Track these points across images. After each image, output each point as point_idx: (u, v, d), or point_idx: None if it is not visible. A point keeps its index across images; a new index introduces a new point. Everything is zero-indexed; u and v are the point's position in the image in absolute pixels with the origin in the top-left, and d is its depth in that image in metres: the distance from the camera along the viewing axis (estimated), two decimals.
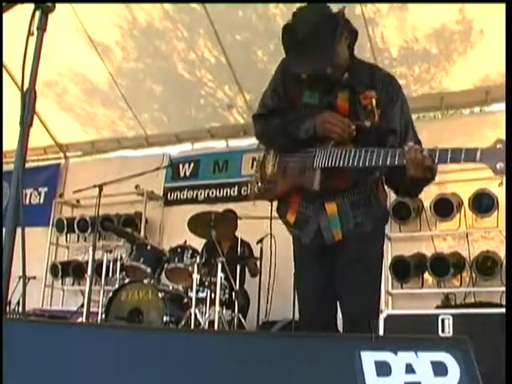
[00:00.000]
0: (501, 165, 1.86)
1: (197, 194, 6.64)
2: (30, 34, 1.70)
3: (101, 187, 5.08)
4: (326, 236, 2.29)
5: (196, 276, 4.62)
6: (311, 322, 2.38)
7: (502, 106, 5.37)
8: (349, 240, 2.27)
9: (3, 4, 1.74)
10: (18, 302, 5.58)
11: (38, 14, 1.71)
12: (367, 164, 2.08)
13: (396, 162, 2.03)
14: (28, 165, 6.90)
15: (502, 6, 4.16)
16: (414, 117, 7.52)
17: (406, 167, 1.99)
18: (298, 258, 2.47)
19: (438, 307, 4.74)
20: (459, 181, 5.27)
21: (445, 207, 5.07)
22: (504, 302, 4.57)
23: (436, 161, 1.95)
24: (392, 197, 5.46)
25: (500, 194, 4.83)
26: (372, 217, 2.29)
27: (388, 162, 2.05)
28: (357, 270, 2.25)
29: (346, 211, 2.27)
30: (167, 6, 5.76)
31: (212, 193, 6.55)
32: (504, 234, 4.87)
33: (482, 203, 4.95)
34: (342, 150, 2.16)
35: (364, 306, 2.25)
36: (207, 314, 4.58)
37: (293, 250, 2.49)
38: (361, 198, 2.28)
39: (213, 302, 4.56)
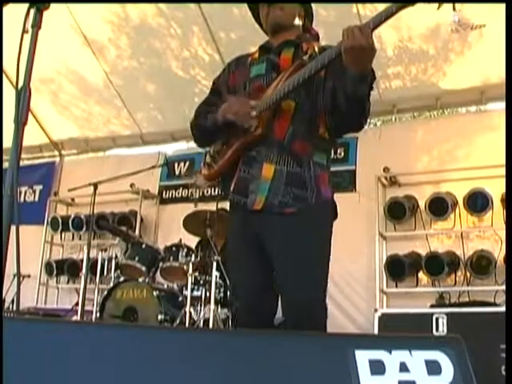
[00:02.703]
0: None
1: (192, 193, 6.63)
2: (24, 31, 1.69)
3: (96, 185, 5.08)
4: (250, 197, 2.19)
5: (191, 274, 4.63)
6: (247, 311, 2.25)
7: (498, 106, 5.39)
8: (270, 219, 2.15)
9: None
10: (13, 300, 5.57)
11: (32, 11, 1.71)
12: (313, 71, 2.03)
13: (333, 54, 1.98)
14: (23, 163, 6.87)
15: (501, 6, 4.17)
16: (410, 116, 7.47)
17: (343, 52, 1.90)
18: (237, 231, 2.32)
19: (432, 306, 4.75)
20: (454, 180, 5.29)
21: (440, 206, 5.08)
22: (498, 301, 4.60)
23: (371, 25, 1.88)
24: (387, 196, 5.49)
25: (495, 193, 4.85)
26: (300, 202, 2.14)
27: (327, 59, 2.01)
28: (283, 260, 2.11)
29: (279, 181, 2.16)
30: (160, 3, 5.74)
31: (207, 191, 6.54)
32: (498, 234, 4.90)
33: (477, 202, 4.96)
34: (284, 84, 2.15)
35: (289, 299, 2.10)
36: (202, 313, 4.58)
37: (229, 223, 2.38)
38: (299, 177, 2.17)
39: (208, 301, 4.56)
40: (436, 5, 1.88)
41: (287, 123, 2.21)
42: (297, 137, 2.20)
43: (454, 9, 1.88)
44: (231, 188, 2.28)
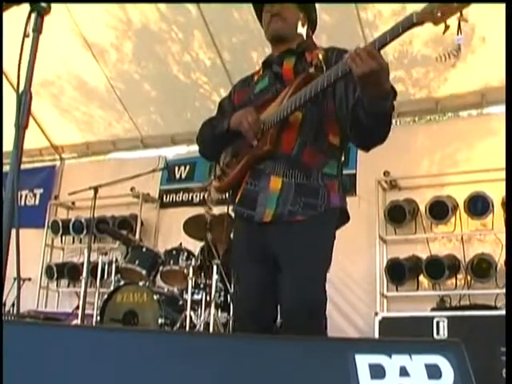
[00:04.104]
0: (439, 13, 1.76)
1: (192, 197, 6.63)
2: (25, 35, 1.70)
3: (96, 189, 5.08)
4: (258, 210, 2.20)
5: (191, 278, 4.63)
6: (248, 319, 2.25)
7: (498, 109, 5.38)
8: (280, 228, 2.16)
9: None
10: (13, 304, 5.57)
11: (33, 15, 1.71)
12: (319, 88, 2.01)
13: (340, 71, 1.92)
14: (23, 166, 6.82)
15: (502, 7, 4.17)
16: (410, 120, 7.43)
17: (357, 80, 1.85)
18: (243, 242, 2.34)
19: (433, 310, 4.75)
20: (455, 183, 5.29)
21: (440, 210, 5.08)
22: (498, 305, 4.59)
23: (377, 44, 1.82)
24: (387, 200, 5.49)
25: (495, 196, 4.85)
26: (311, 209, 2.15)
27: (332, 76, 1.96)
28: (292, 264, 2.12)
29: (287, 193, 2.16)
30: (162, 7, 5.73)
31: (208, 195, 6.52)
32: (499, 237, 4.89)
33: (478, 206, 4.96)
34: (291, 99, 2.14)
35: (297, 301, 2.07)
36: (202, 317, 4.57)
37: (233, 234, 2.40)
38: (308, 186, 2.17)
39: (208, 305, 4.55)
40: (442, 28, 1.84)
41: (295, 135, 2.20)
42: (306, 147, 2.19)
43: (458, 33, 1.85)
44: (237, 199, 2.30)
